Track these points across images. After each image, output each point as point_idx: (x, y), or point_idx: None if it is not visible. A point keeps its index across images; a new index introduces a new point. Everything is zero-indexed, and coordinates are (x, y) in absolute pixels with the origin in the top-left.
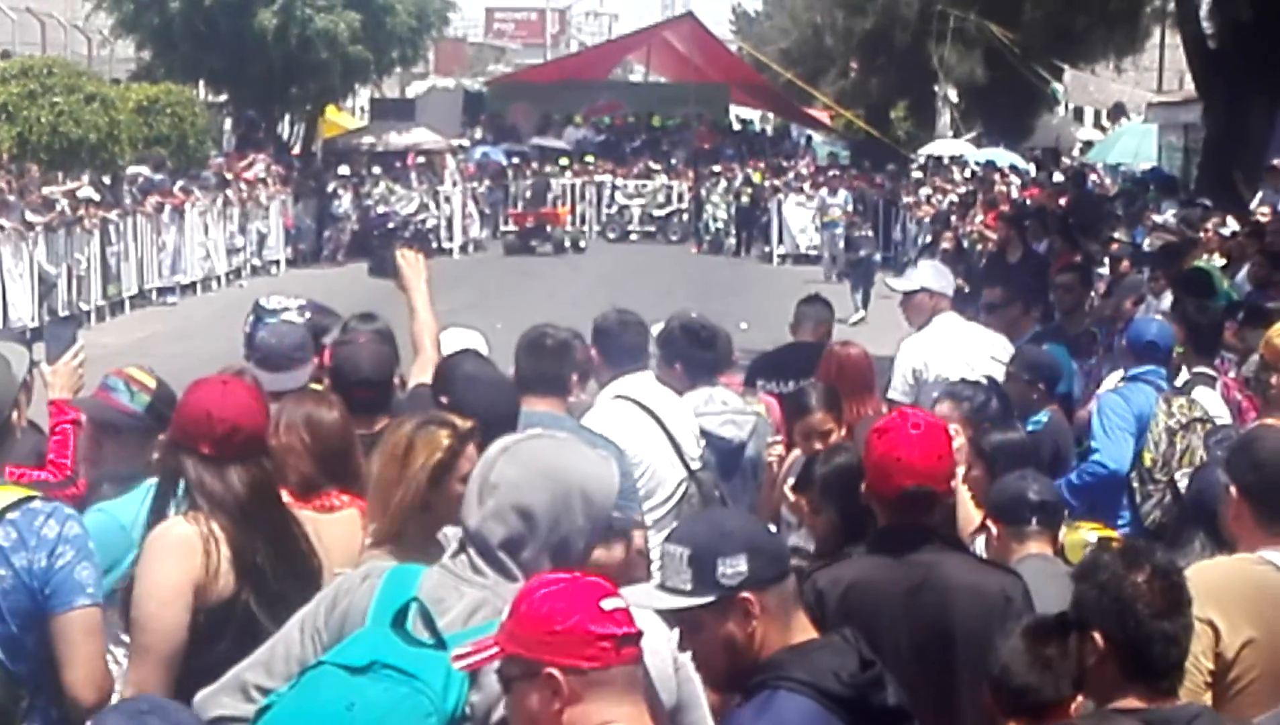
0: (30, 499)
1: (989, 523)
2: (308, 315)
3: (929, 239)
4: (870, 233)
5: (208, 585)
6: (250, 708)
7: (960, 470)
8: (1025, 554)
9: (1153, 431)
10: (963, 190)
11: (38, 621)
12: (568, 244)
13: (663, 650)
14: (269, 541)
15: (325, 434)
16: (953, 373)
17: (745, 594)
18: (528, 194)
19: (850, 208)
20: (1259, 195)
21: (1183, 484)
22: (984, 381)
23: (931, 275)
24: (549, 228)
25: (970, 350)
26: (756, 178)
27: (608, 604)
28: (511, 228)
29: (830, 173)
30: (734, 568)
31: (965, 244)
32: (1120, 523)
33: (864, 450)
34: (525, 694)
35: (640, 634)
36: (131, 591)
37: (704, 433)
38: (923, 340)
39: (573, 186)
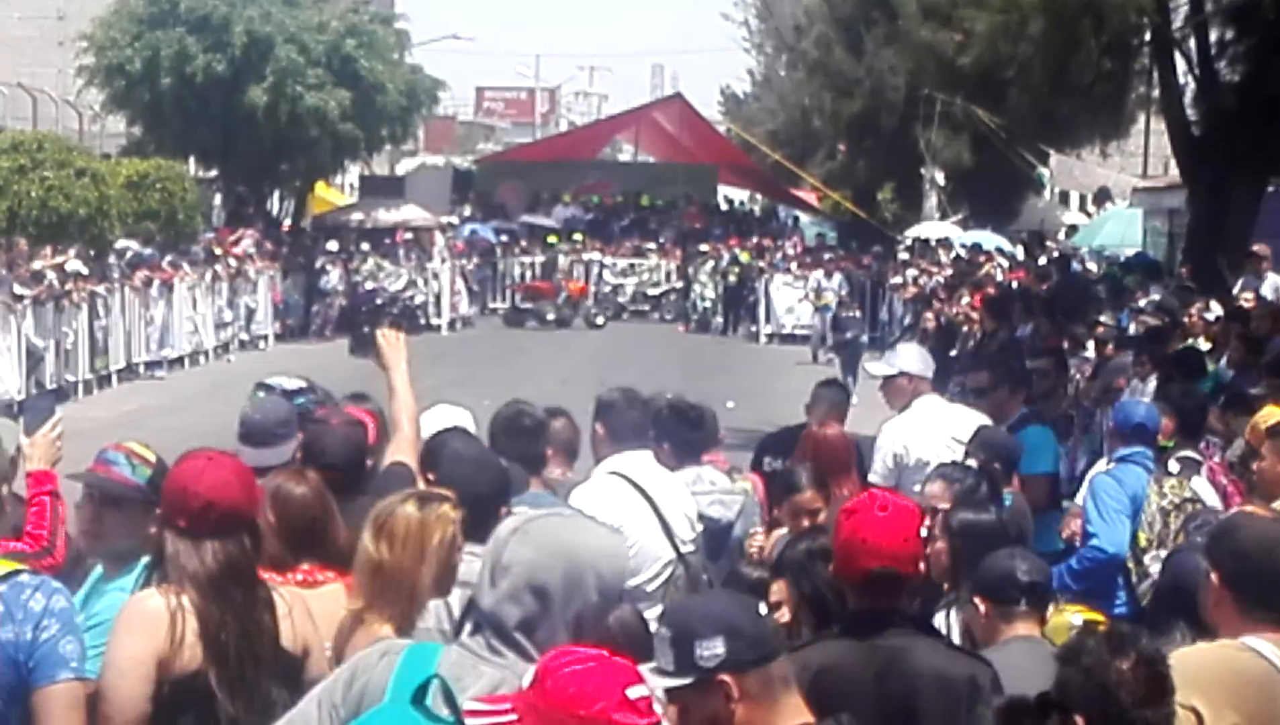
0: (18, 573)
1: (976, 600)
2: (309, 396)
3: (909, 320)
4: (858, 313)
5: (171, 658)
6: None
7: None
8: (1012, 635)
9: (1146, 512)
10: (949, 272)
11: (21, 696)
12: (581, 320)
13: None
14: (237, 620)
15: (293, 510)
16: (935, 455)
17: (723, 676)
18: (537, 267)
19: (844, 291)
20: (1240, 281)
21: (1154, 569)
22: (974, 465)
23: (912, 358)
24: (561, 300)
25: (953, 432)
26: (744, 257)
27: (633, 692)
28: (515, 299)
29: (825, 256)
30: (711, 650)
31: (947, 325)
32: (1117, 603)
33: (833, 531)
34: None
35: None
36: None
37: None
38: (904, 423)
39: (558, 263)
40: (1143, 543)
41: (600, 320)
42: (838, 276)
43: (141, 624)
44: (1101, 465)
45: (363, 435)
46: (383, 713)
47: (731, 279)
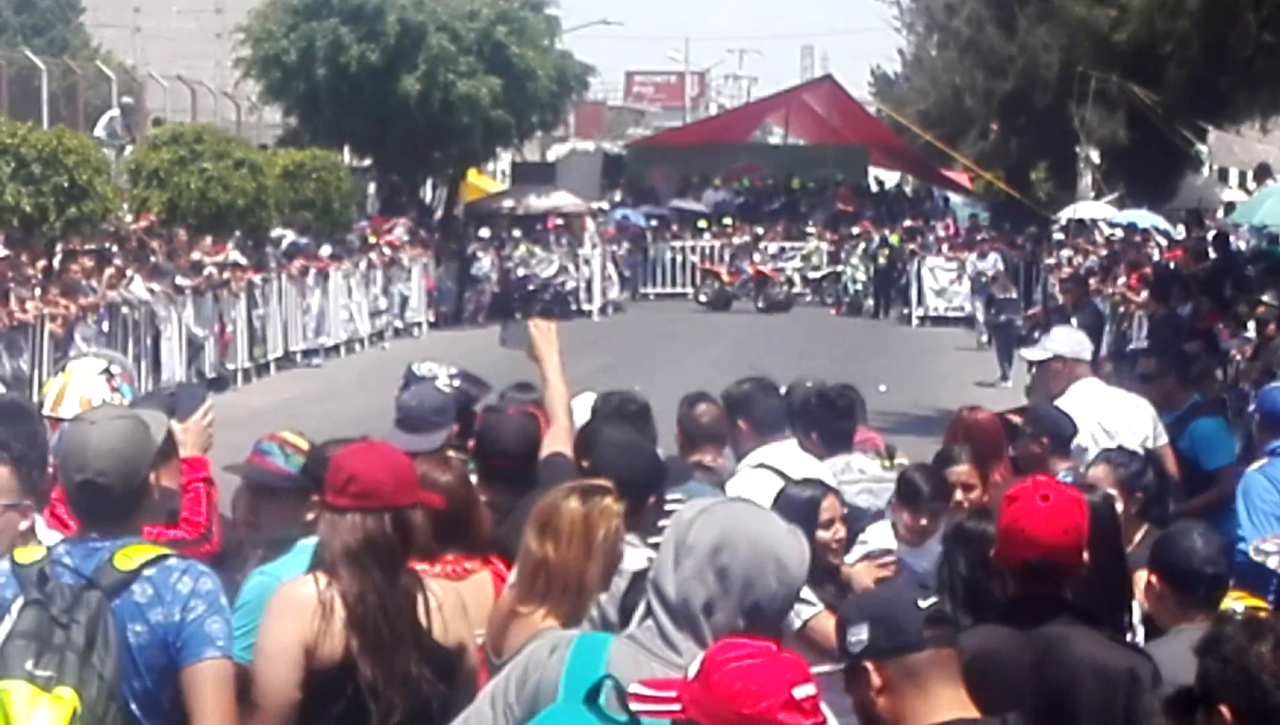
0: (166, 557)
1: (1152, 578)
2: (457, 383)
3: (1061, 301)
4: (1014, 295)
5: (318, 645)
6: None
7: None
8: (1187, 624)
9: None
10: (1105, 252)
11: (171, 677)
12: (759, 303)
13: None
14: (378, 599)
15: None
16: (1086, 441)
17: (865, 662)
18: (688, 252)
19: (998, 270)
20: None
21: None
22: (1140, 451)
23: (1065, 341)
24: (764, 285)
25: (1112, 416)
26: (894, 240)
27: (799, 692)
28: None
29: (979, 237)
30: (856, 636)
31: (1107, 307)
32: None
33: (996, 516)
34: None
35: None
36: None
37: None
38: (1067, 404)
39: (712, 249)
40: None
41: (762, 303)
42: (993, 256)
43: (290, 609)
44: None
45: (537, 427)
46: (557, 713)
47: (882, 261)
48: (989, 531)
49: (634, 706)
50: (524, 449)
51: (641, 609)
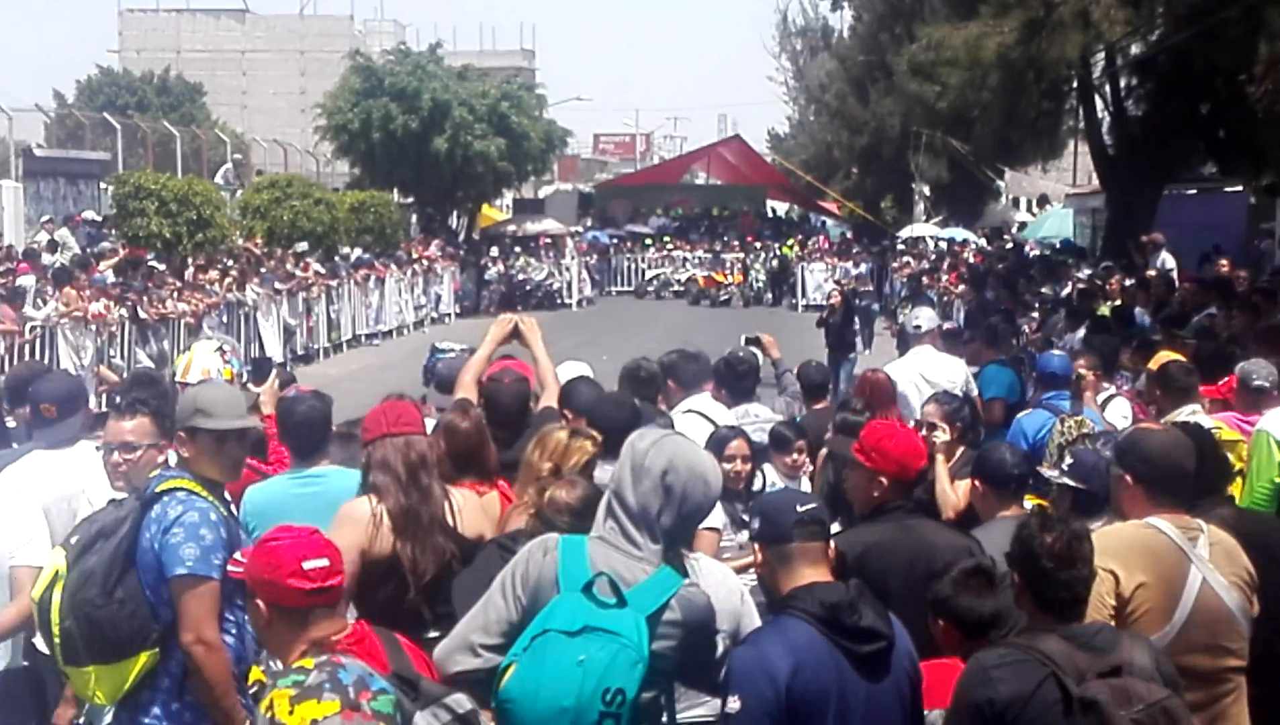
0: (175, 490)
1: (975, 483)
2: (468, 355)
3: (905, 292)
4: (871, 288)
5: (371, 546)
6: (478, 661)
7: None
8: (1003, 514)
9: (1049, 447)
10: (933, 258)
11: (163, 579)
12: (743, 300)
13: (734, 589)
14: (422, 498)
15: (459, 438)
16: (914, 389)
17: (755, 544)
18: (640, 261)
19: (863, 274)
20: (1151, 258)
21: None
22: (959, 394)
23: (928, 317)
24: (727, 286)
25: (935, 371)
26: (786, 251)
27: (308, 564)
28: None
29: (854, 250)
30: (753, 524)
31: (935, 297)
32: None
33: (881, 451)
34: (249, 606)
35: (329, 589)
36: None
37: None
38: (896, 365)
39: (655, 260)
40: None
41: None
42: (864, 264)
43: (351, 522)
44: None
45: (528, 389)
46: (564, 603)
47: (776, 266)
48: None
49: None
50: (518, 406)
51: (602, 514)
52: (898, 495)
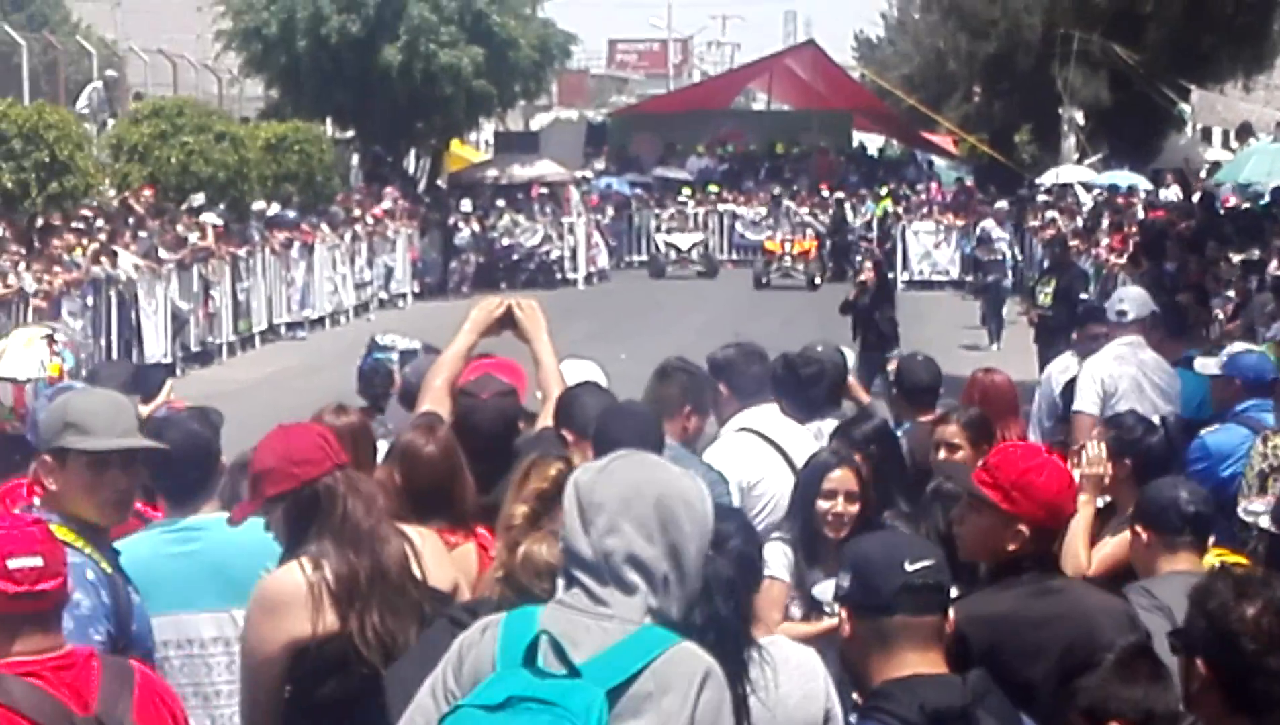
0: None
1: (1138, 529)
2: (424, 355)
3: (1047, 263)
4: (1000, 257)
5: (313, 632)
6: None
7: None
8: (1174, 568)
9: (1246, 476)
10: (1088, 213)
11: None
12: (808, 278)
13: (816, 695)
14: (373, 563)
15: (420, 469)
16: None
17: (841, 610)
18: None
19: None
20: None
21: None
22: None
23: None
24: (782, 259)
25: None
26: (880, 205)
27: (14, 563)
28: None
29: (978, 201)
30: (842, 580)
31: (1091, 268)
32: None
33: (1026, 491)
34: None
35: (40, 595)
36: None
37: None
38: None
39: (696, 215)
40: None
41: (817, 281)
42: (1004, 227)
43: (280, 607)
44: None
45: (515, 407)
46: (495, 679)
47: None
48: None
49: None
50: (500, 430)
51: (563, 580)
52: (1040, 549)
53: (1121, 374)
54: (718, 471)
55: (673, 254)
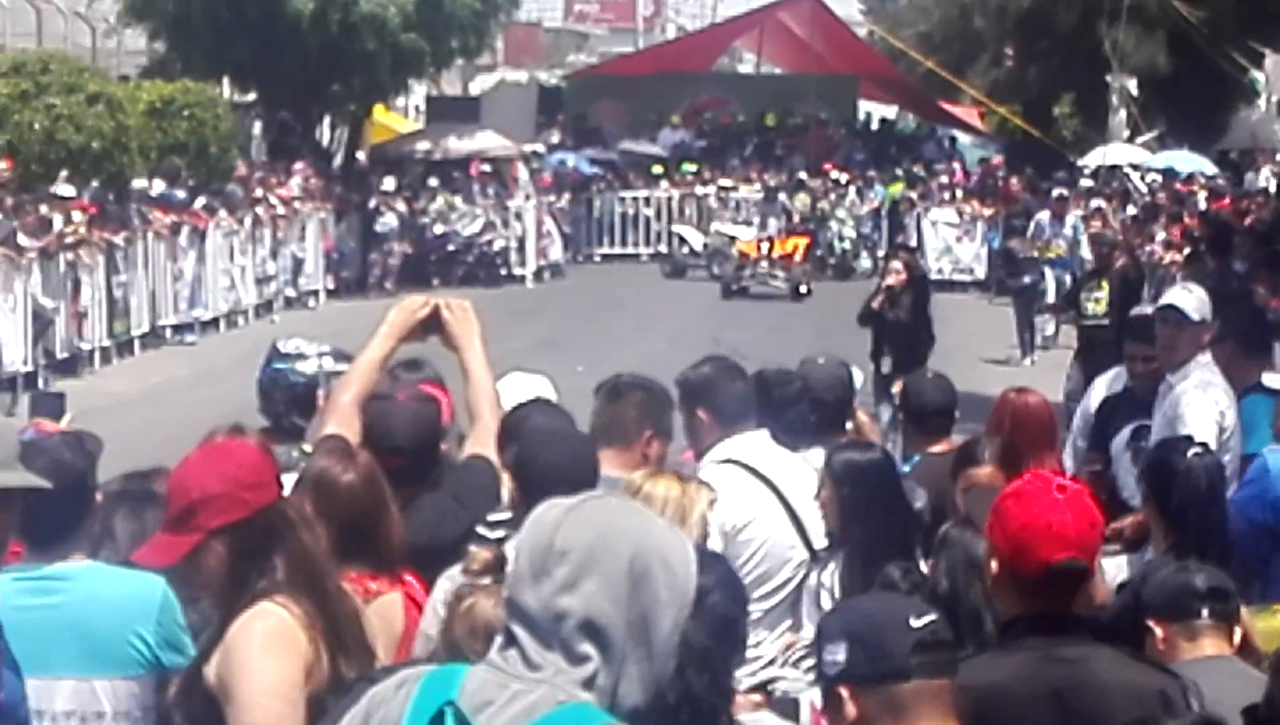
0: None
1: (1150, 624)
2: (329, 364)
3: (1092, 264)
4: (1032, 253)
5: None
6: None
7: None
8: (1200, 654)
9: None
10: (1142, 201)
11: None
12: (801, 287)
13: None
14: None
15: (338, 502)
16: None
17: (840, 688)
18: (640, 204)
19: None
20: None
21: None
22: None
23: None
24: (776, 264)
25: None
26: (892, 189)
27: None
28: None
29: (1056, 192)
30: (833, 656)
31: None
32: None
33: (994, 521)
34: None
35: None
36: None
37: None
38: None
39: (669, 199)
40: None
41: (802, 288)
42: (1073, 218)
43: (282, 644)
44: None
45: (435, 414)
46: None
47: (869, 212)
48: (978, 538)
49: None
50: (420, 442)
51: (501, 638)
52: (1049, 604)
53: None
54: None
55: (669, 245)
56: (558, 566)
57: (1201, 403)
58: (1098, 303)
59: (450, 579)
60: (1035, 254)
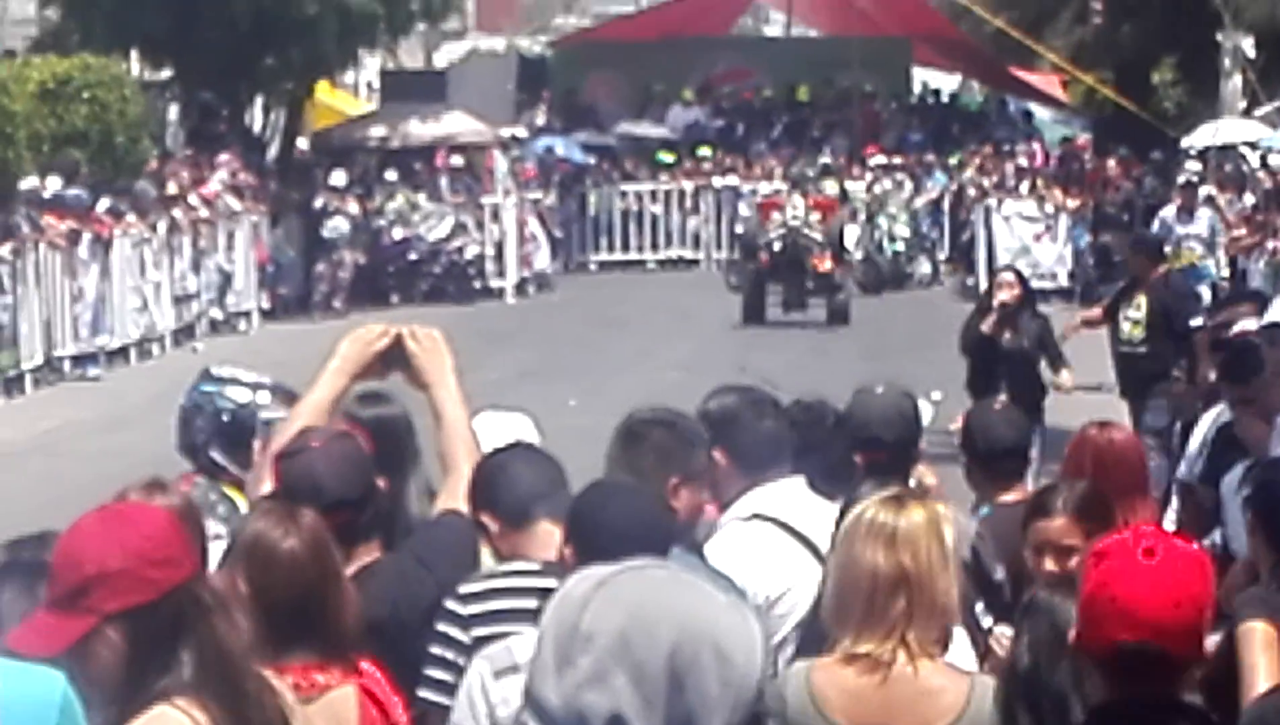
0: None
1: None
2: (265, 399)
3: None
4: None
5: None
6: None
7: None
8: None
9: None
10: (1266, 189)
11: None
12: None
13: None
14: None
15: (278, 575)
16: None
17: None
18: (646, 199)
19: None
20: None
21: None
22: None
23: None
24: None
25: None
26: (959, 172)
27: None
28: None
29: (1184, 180)
30: None
31: (1267, 270)
32: None
33: (1081, 583)
34: None
35: None
36: None
37: None
38: None
39: (681, 193)
40: None
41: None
42: (1207, 214)
43: None
44: None
45: (360, 451)
46: None
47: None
48: (1067, 607)
49: None
50: (360, 487)
51: None
52: (1138, 685)
53: None
54: (725, 578)
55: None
56: (582, 654)
57: None
58: (1135, 325)
59: (489, 659)
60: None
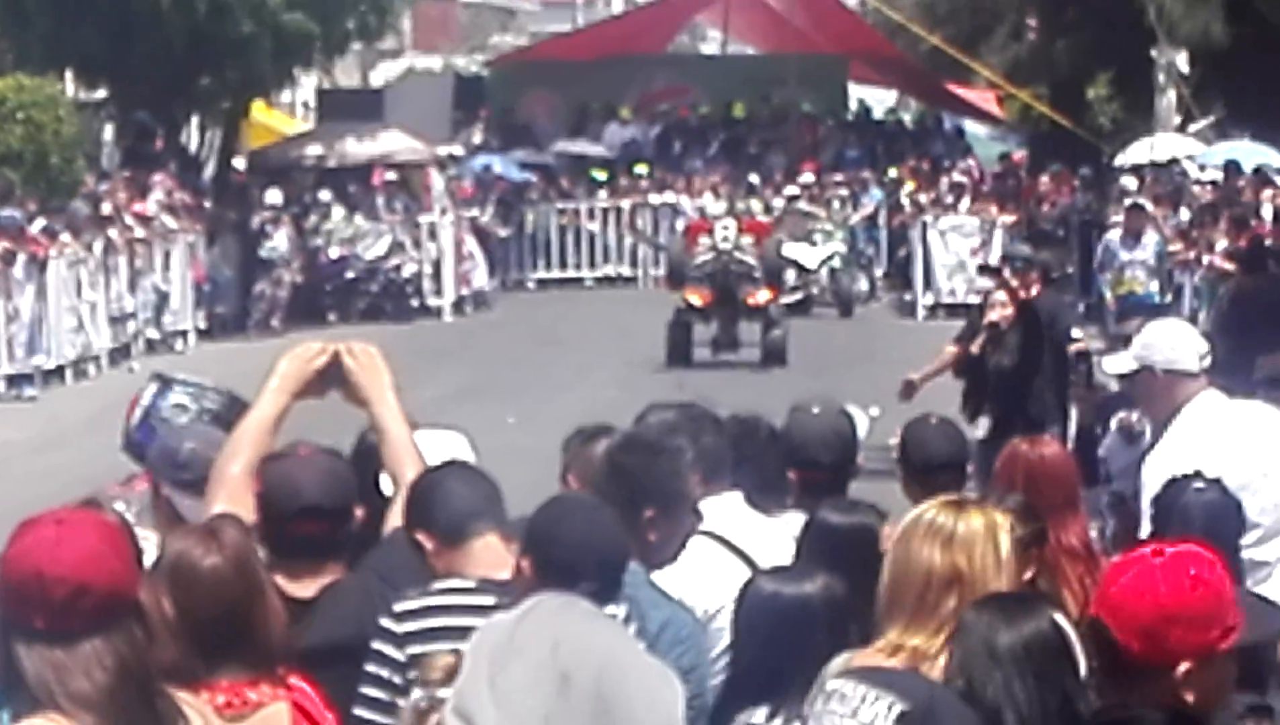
0: None
1: None
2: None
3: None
4: (1070, 269)
5: None
6: None
7: None
8: None
9: None
10: (1199, 205)
11: None
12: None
13: None
14: None
15: (201, 592)
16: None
17: None
18: (583, 216)
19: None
20: None
21: None
22: None
23: (1161, 343)
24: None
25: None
26: (896, 194)
27: None
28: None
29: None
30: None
31: (1200, 284)
32: None
33: (1095, 596)
34: None
35: None
36: None
37: None
38: (1174, 440)
39: (618, 210)
40: None
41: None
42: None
43: None
44: None
45: (348, 470)
46: None
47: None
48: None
49: None
50: (339, 501)
51: None
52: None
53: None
54: (687, 610)
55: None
56: (513, 659)
57: None
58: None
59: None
60: (1109, 291)
